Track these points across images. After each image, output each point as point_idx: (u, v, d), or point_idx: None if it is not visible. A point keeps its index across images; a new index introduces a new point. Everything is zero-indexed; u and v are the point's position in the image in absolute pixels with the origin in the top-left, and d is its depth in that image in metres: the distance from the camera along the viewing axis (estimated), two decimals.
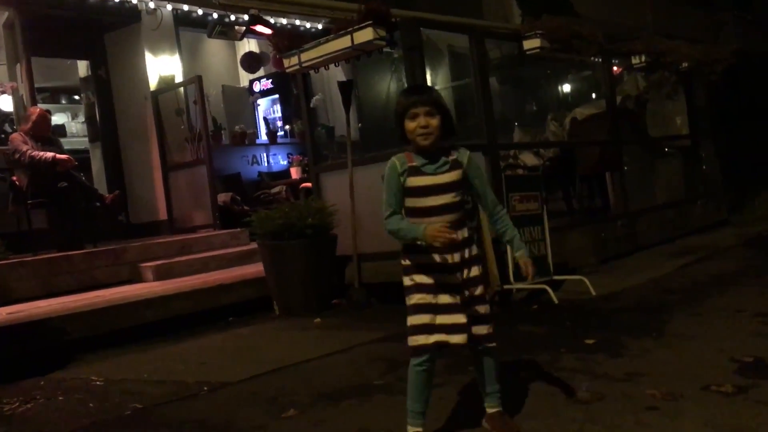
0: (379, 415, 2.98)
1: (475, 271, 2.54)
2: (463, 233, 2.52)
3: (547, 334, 4.24)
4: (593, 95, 9.99)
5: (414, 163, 2.49)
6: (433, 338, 2.44)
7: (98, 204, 7.24)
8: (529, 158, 7.91)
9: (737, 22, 12.27)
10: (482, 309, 2.54)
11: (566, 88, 11.08)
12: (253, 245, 6.70)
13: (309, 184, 7.34)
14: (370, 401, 3.20)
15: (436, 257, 2.49)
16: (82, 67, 9.47)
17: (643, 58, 7.55)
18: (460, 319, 2.46)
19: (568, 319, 4.57)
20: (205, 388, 3.71)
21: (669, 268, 6.09)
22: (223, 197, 8.65)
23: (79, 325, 4.90)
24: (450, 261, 2.49)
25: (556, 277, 5.54)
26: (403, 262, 2.56)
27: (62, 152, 7.00)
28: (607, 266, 6.51)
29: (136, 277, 6.63)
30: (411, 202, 2.51)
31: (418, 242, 2.46)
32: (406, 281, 2.54)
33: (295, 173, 9.59)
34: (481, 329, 2.54)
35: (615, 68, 8.15)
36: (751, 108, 9.71)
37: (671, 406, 2.71)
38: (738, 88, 9.53)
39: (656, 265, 6.30)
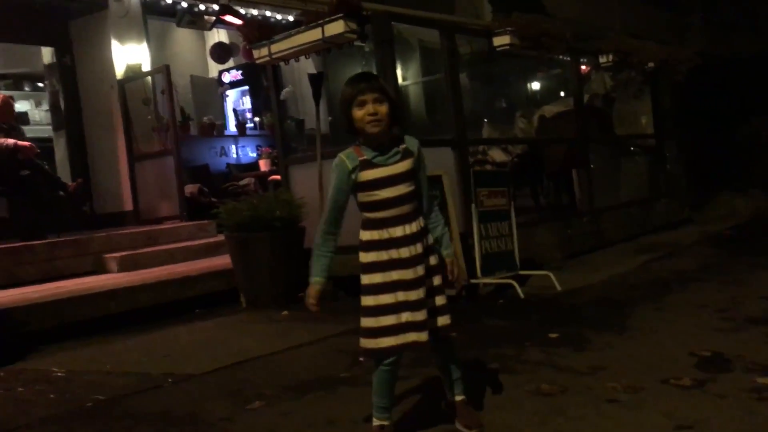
0: (345, 406, 2.99)
1: (432, 260, 2.51)
2: (419, 224, 2.47)
3: (512, 328, 4.29)
4: (562, 93, 10.10)
5: (364, 156, 2.43)
6: (401, 339, 2.38)
7: (62, 193, 7.11)
8: (497, 154, 7.97)
9: (703, 24, 12.51)
10: (441, 300, 2.52)
11: (535, 85, 11.19)
12: (221, 237, 6.64)
13: (278, 177, 7.30)
14: (335, 393, 3.20)
15: (395, 252, 2.41)
16: (47, 54, 9.26)
17: (611, 57, 7.66)
18: (424, 315, 2.42)
19: (533, 314, 4.62)
20: (170, 380, 3.68)
21: (632, 265, 6.20)
22: (190, 189, 8.55)
23: (41, 316, 4.82)
24: (410, 254, 2.41)
25: (522, 272, 5.60)
26: (361, 257, 2.46)
27: (24, 140, 6.85)
28: (572, 262, 6.60)
29: (100, 269, 6.52)
30: (365, 196, 2.43)
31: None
32: (365, 279, 2.44)
33: (264, 165, 9.53)
34: (442, 320, 2.51)
35: (583, 67, 8.25)
36: (715, 109, 9.91)
37: (632, 398, 2.76)
38: (702, 89, 9.72)
39: (620, 262, 6.41)
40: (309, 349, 4.15)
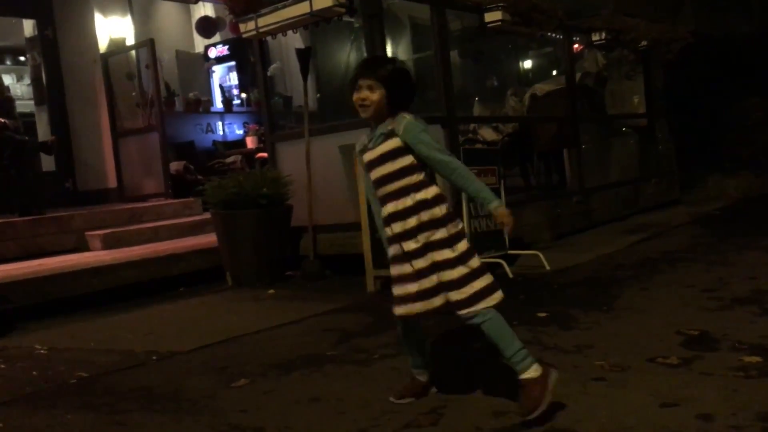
0: (330, 384, 2.96)
1: (438, 234, 2.44)
2: (405, 203, 2.46)
3: (500, 307, 4.25)
4: (554, 72, 10.02)
5: (365, 141, 2.60)
6: (408, 309, 2.48)
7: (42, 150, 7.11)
8: (488, 133, 7.91)
9: (696, 3, 12.43)
10: (449, 275, 2.43)
11: (527, 64, 11.09)
12: (206, 215, 6.58)
13: (265, 154, 7.22)
14: (321, 371, 3.17)
15: (389, 230, 2.53)
16: (28, 27, 9.08)
17: (603, 35, 7.59)
18: (423, 285, 2.44)
19: (521, 293, 4.60)
20: (154, 358, 3.64)
21: (621, 245, 6.19)
22: (175, 166, 8.46)
23: (23, 293, 4.76)
24: (401, 229, 2.48)
25: (511, 252, 5.58)
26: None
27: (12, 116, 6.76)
28: (561, 242, 6.59)
29: (83, 246, 6.45)
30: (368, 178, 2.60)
31: None
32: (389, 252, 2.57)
33: (250, 143, 9.43)
34: (453, 295, 2.43)
35: (576, 46, 8.18)
36: (707, 90, 9.88)
37: (618, 376, 2.74)
38: (694, 69, 9.67)
39: (609, 242, 6.40)
40: (295, 328, 4.11)
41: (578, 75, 7.93)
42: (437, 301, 2.44)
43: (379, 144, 2.51)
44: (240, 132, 10.24)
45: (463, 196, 5.27)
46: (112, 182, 8.62)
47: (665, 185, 9.13)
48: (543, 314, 3.86)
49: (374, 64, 2.61)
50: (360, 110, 2.53)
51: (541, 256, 5.42)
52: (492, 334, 2.46)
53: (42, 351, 3.98)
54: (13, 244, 6.09)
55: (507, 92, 8.52)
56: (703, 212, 8.08)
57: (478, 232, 5.37)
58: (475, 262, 2.46)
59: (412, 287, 2.46)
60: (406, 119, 2.49)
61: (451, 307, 2.44)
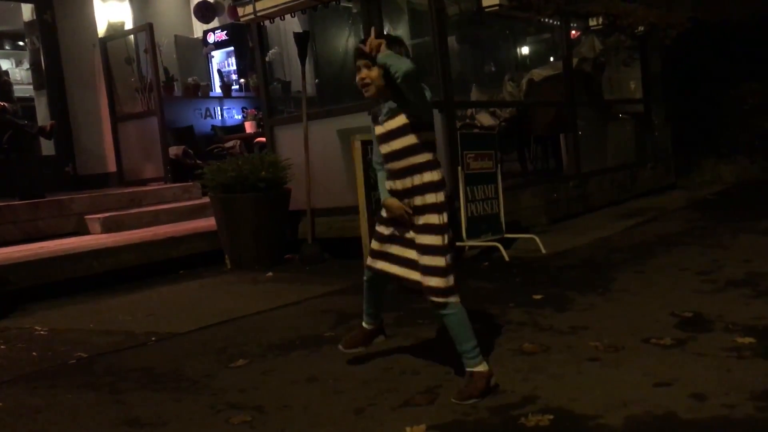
0: (328, 364, 3.00)
1: (421, 220, 2.53)
2: (414, 180, 2.52)
3: (496, 290, 4.31)
4: (551, 58, 10.01)
5: (377, 113, 2.64)
6: (391, 269, 2.67)
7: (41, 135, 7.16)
8: (485, 118, 7.92)
9: None
10: (439, 261, 2.49)
11: (524, 49, 11.07)
12: (206, 199, 6.60)
13: (263, 139, 7.22)
14: (319, 351, 3.21)
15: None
16: (27, 11, 9.03)
17: (600, 20, 7.58)
18: (407, 254, 2.60)
19: (517, 276, 4.64)
20: (153, 339, 3.68)
21: (617, 229, 6.22)
22: (174, 150, 8.46)
23: (24, 275, 4.80)
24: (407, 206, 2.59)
25: (508, 236, 5.61)
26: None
27: (11, 99, 6.76)
28: (558, 226, 6.62)
29: (82, 230, 6.47)
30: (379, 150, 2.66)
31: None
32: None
33: (249, 127, 9.42)
34: (433, 281, 2.50)
35: (573, 32, 8.17)
36: (703, 75, 9.88)
37: (612, 357, 2.78)
38: (691, 55, 9.66)
39: (605, 226, 6.43)
40: (293, 309, 4.15)
41: (575, 60, 7.93)
42: (414, 275, 2.57)
43: (389, 118, 2.56)
44: (239, 117, 10.23)
45: (461, 179, 5.30)
46: (112, 167, 8.63)
47: (661, 170, 9.16)
48: (539, 296, 3.90)
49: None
50: (363, 90, 2.60)
51: (537, 239, 5.45)
52: (454, 327, 2.54)
53: (42, 332, 4.02)
54: (13, 228, 6.11)
55: (504, 77, 8.53)
56: (698, 197, 8.12)
57: (474, 215, 5.40)
58: (450, 257, 2.54)
59: (395, 249, 2.63)
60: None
61: (428, 290, 2.51)
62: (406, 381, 2.71)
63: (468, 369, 2.51)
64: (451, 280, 2.51)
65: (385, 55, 2.43)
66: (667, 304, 3.48)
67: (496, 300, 3.93)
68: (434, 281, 2.49)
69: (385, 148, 2.59)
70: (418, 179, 2.51)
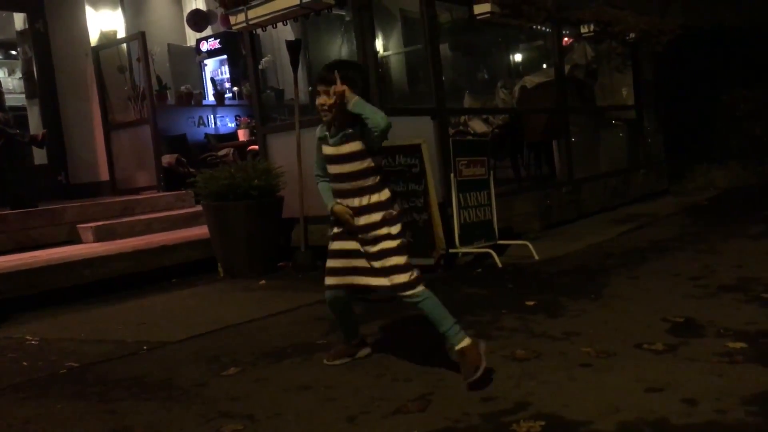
0: (320, 372, 2.99)
1: (370, 235, 2.75)
2: (362, 201, 2.76)
3: (489, 296, 4.30)
4: (544, 65, 10.05)
5: (325, 133, 2.83)
6: (354, 280, 2.85)
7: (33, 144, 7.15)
8: (478, 125, 7.93)
9: None
10: (399, 260, 2.73)
11: (517, 56, 11.11)
12: (199, 208, 6.58)
13: (257, 147, 7.22)
14: (311, 360, 3.20)
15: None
16: (19, 20, 9.04)
17: (591, 27, 7.62)
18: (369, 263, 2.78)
19: (510, 282, 4.64)
20: (145, 348, 3.66)
21: (610, 235, 6.24)
22: (168, 159, 8.44)
23: (14, 284, 4.77)
24: (364, 223, 2.79)
25: (500, 242, 5.62)
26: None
27: (2, 108, 6.74)
28: (551, 232, 6.63)
29: (75, 239, 6.44)
30: (327, 167, 2.86)
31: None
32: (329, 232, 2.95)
33: (242, 135, 9.42)
34: (397, 278, 2.72)
35: (565, 39, 8.21)
36: (695, 81, 9.94)
37: (604, 362, 2.79)
38: (683, 61, 9.73)
39: (598, 232, 6.45)
40: (286, 317, 4.14)
41: (567, 67, 7.96)
42: (382, 281, 2.76)
43: (341, 144, 2.74)
44: (232, 125, 10.22)
45: (453, 186, 5.30)
46: (105, 175, 8.60)
47: (654, 176, 9.19)
48: (531, 303, 3.90)
49: (326, 71, 2.77)
50: (322, 115, 2.76)
51: (530, 245, 5.46)
52: (429, 311, 2.75)
53: (33, 341, 4.00)
54: (4, 237, 6.08)
55: (497, 84, 8.56)
56: (691, 202, 8.15)
57: (467, 222, 5.40)
58: (407, 255, 2.78)
59: (360, 262, 2.80)
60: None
61: (397, 288, 2.73)
62: (399, 388, 2.70)
63: (457, 348, 2.69)
64: (414, 273, 2.74)
65: (358, 104, 2.63)
66: (660, 310, 3.49)
67: (488, 306, 3.92)
68: (400, 278, 2.72)
69: (336, 169, 2.80)
70: (365, 200, 2.76)
